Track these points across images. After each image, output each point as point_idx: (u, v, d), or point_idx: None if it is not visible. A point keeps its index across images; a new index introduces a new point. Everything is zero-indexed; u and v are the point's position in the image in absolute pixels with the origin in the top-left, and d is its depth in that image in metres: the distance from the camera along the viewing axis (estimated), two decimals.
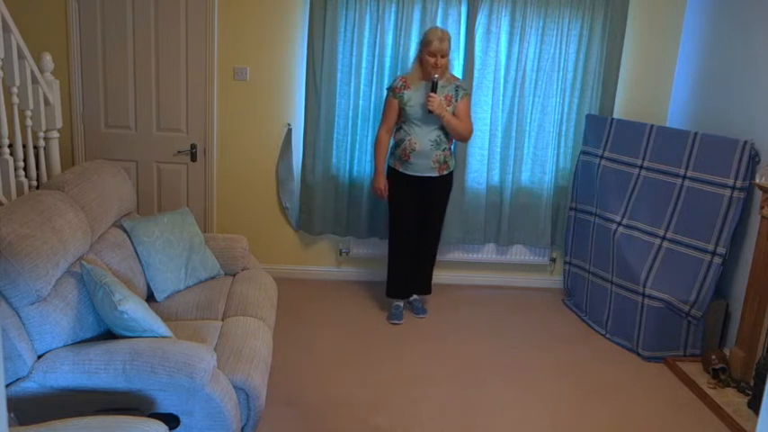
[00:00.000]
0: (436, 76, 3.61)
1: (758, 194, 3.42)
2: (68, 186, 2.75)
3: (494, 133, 4.28)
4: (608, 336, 3.93)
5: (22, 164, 3.09)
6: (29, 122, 3.15)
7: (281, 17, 4.16)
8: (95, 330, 2.48)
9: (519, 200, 4.41)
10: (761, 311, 3.28)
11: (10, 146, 3.01)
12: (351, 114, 4.20)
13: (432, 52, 3.60)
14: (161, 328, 2.44)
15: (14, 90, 3.02)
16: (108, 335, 2.49)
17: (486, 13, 4.12)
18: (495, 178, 4.37)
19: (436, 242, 4.04)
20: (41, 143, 3.28)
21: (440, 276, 4.48)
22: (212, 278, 3.29)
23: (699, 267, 3.59)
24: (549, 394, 3.25)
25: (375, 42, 4.10)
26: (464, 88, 3.81)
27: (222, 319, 2.92)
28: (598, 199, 4.09)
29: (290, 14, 4.17)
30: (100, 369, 2.22)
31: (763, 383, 2.98)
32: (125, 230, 3.05)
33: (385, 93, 3.88)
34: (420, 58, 3.70)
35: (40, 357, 2.28)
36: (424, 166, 3.75)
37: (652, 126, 3.88)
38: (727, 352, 3.53)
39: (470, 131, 3.85)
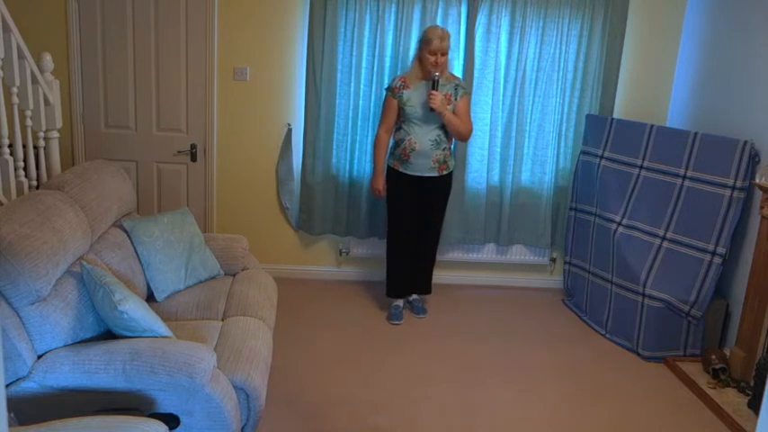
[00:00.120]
0: (437, 74, 3.61)
1: (758, 194, 3.42)
2: (68, 186, 2.75)
3: (494, 133, 4.28)
4: (608, 336, 3.93)
5: (22, 164, 3.09)
6: (29, 122, 3.16)
7: (281, 17, 4.16)
8: (95, 330, 2.48)
9: (519, 200, 4.41)
10: (761, 311, 3.28)
11: (10, 146, 3.01)
12: (351, 114, 4.20)
13: (432, 51, 3.59)
14: (161, 328, 2.44)
15: (14, 90, 3.02)
16: (108, 335, 2.49)
17: (486, 13, 4.12)
18: (495, 178, 4.37)
19: (436, 242, 4.04)
20: (41, 143, 3.28)
21: (440, 276, 4.48)
22: (212, 278, 3.29)
23: (699, 267, 3.59)
24: (549, 394, 3.25)
25: (375, 42, 4.10)
26: (463, 87, 3.81)
27: (222, 319, 2.92)
28: (598, 199, 4.09)
29: (290, 14, 4.17)
30: (100, 369, 2.22)
31: (763, 383, 2.98)
32: (125, 230, 3.05)
33: (384, 93, 3.88)
34: (419, 57, 3.70)
35: (40, 357, 2.28)
36: (423, 166, 3.75)
37: (652, 126, 3.88)
38: (727, 352, 3.53)
39: (470, 130, 3.85)
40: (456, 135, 3.82)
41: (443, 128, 3.73)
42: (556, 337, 3.91)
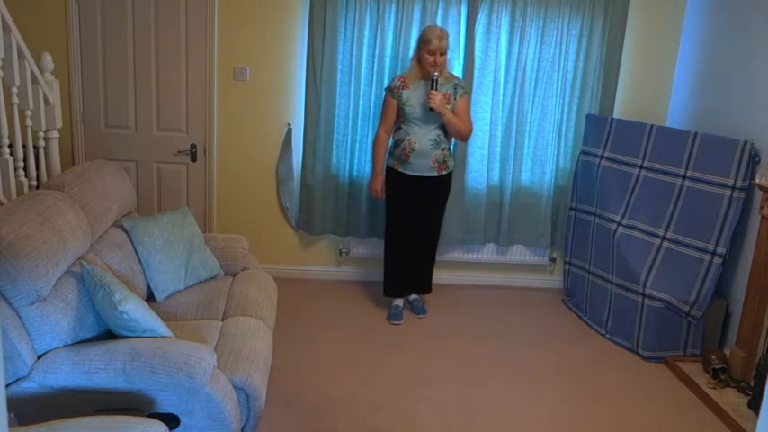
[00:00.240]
0: (436, 73, 3.61)
1: (758, 194, 3.42)
2: (68, 186, 2.75)
3: (494, 133, 4.28)
4: (608, 336, 3.93)
5: (22, 164, 3.09)
6: (29, 122, 3.16)
7: (281, 17, 4.16)
8: (95, 330, 2.48)
9: (519, 200, 4.41)
10: (761, 311, 3.28)
11: (10, 146, 3.01)
12: (351, 114, 4.20)
13: (431, 51, 3.59)
14: (161, 328, 2.44)
15: (14, 90, 3.02)
16: (108, 335, 2.49)
17: (486, 13, 4.12)
18: (495, 178, 4.37)
19: (435, 242, 4.04)
20: (41, 143, 3.28)
21: (440, 276, 4.48)
22: (212, 278, 3.29)
23: (699, 267, 3.59)
24: (549, 394, 3.25)
25: (375, 42, 4.10)
26: (463, 87, 3.81)
27: (222, 319, 2.92)
28: (598, 199, 4.09)
29: (290, 14, 4.17)
30: (100, 369, 2.22)
31: (763, 383, 2.98)
32: (125, 230, 3.05)
33: (383, 93, 3.87)
34: (418, 57, 3.70)
35: (40, 357, 2.28)
36: (423, 166, 3.75)
37: (652, 126, 3.88)
38: (727, 352, 3.53)
39: (470, 130, 3.85)
40: (456, 135, 3.82)
41: (443, 128, 3.73)
42: (556, 337, 3.91)
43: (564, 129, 4.32)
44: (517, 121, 4.27)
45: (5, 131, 2.97)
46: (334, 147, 4.24)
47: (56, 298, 2.36)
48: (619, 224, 3.92)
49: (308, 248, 4.54)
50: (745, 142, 3.45)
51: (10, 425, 1.92)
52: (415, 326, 3.94)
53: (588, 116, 4.23)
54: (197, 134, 4.27)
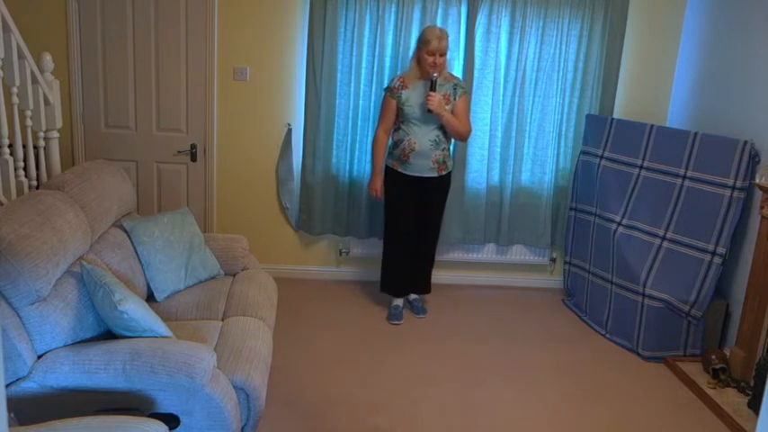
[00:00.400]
0: (435, 74, 3.61)
1: (758, 194, 3.42)
2: (68, 186, 2.75)
3: (494, 133, 4.28)
4: (608, 336, 3.93)
5: (22, 164, 3.09)
6: (29, 122, 3.16)
7: (281, 17, 4.16)
8: (95, 330, 2.48)
9: (519, 200, 4.41)
10: (761, 311, 3.28)
11: (10, 146, 3.01)
12: (351, 114, 4.20)
13: (430, 51, 3.59)
14: (161, 328, 2.44)
15: (14, 90, 3.02)
16: (108, 335, 2.49)
17: (486, 13, 4.12)
18: (495, 178, 4.37)
19: (435, 242, 4.04)
20: (41, 143, 3.28)
21: (440, 276, 4.48)
22: (212, 278, 3.29)
23: (699, 267, 3.59)
24: (549, 394, 3.26)
25: (375, 42, 4.10)
26: (462, 87, 3.81)
27: (222, 319, 2.92)
28: (598, 199, 4.09)
29: (290, 14, 4.17)
30: (100, 369, 2.22)
31: (763, 383, 2.98)
32: (125, 230, 3.05)
33: (382, 93, 3.87)
34: (418, 57, 3.69)
35: (40, 357, 2.28)
36: (423, 167, 3.74)
37: (652, 126, 3.88)
38: (727, 352, 3.53)
39: (469, 130, 3.85)
40: (455, 135, 3.81)
41: (442, 128, 3.73)
42: (556, 337, 3.91)
43: (564, 129, 4.32)
44: (517, 121, 4.27)
45: (5, 131, 2.97)
46: (334, 147, 4.24)
47: (56, 298, 2.36)
48: (619, 224, 3.92)
49: (308, 248, 4.54)
50: (745, 142, 3.45)
51: (10, 425, 1.92)
52: (415, 326, 3.94)
53: (588, 116, 4.23)
54: (197, 134, 4.27)
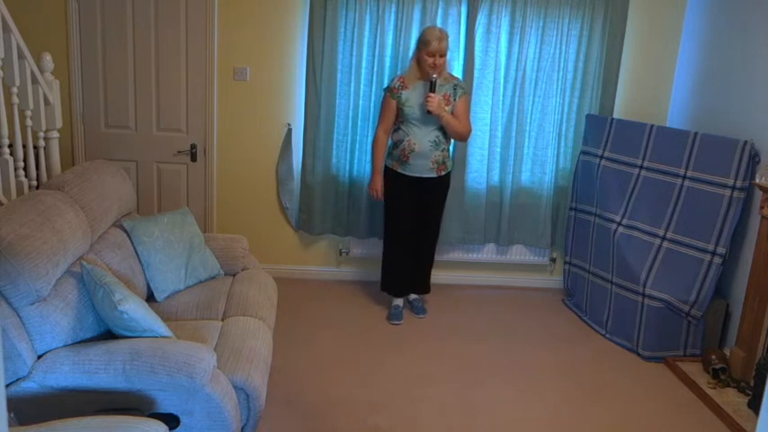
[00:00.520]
0: (435, 75, 3.60)
1: (758, 194, 3.42)
2: (68, 186, 2.75)
3: (494, 133, 4.28)
4: (608, 336, 3.93)
5: (22, 164, 3.09)
6: (29, 122, 3.15)
7: (281, 17, 4.16)
8: (95, 330, 2.48)
9: (519, 200, 4.41)
10: (761, 311, 3.28)
11: (10, 146, 3.01)
12: (351, 114, 4.20)
13: (430, 52, 3.58)
14: (161, 328, 2.44)
15: (14, 90, 3.02)
16: (108, 335, 2.49)
17: (486, 13, 4.12)
18: (495, 178, 4.37)
19: (434, 242, 4.04)
20: (41, 143, 3.28)
21: (440, 276, 4.48)
22: (212, 278, 3.29)
23: (699, 267, 3.59)
24: (549, 394, 3.25)
25: (375, 42, 4.10)
26: (462, 87, 3.81)
27: (222, 319, 2.92)
28: (598, 199, 4.09)
29: (290, 14, 4.17)
30: (100, 369, 2.22)
31: (763, 383, 2.98)
32: (125, 230, 3.05)
33: (382, 93, 3.87)
34: (418, 58, 3.69)
35: (40, 357, 2.28)
36: (422, 167, 3.74)
37: (652, 126, 3.88)
38: (727, 352, 3.53)
39: (469, 131, 3.85)
40: (455, 136, 3.81)
41: (442, 129, 3.73)
42: (556, 337, 3.91)
43: (564, 129, 4.32)
44: (517, 121, 4.27)
45: (5, 131, 2.97)
46: (334, 147, 4.24)
47: (56, 298, 2.36)
48: (619, 224, 3.92)
49: (308, 248, 4.54)
50: (745, 142, 3.45)
51: (10, 425, 1.92)
52: (415, 326, 3.94)
53: (588, 116, 4.23)
54: (197, 134, 4.27)
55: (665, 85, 4.40)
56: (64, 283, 2.44)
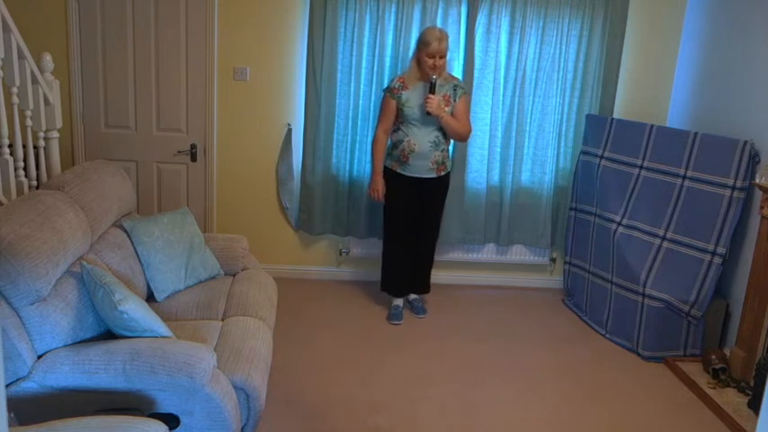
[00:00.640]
0: (434, 77, 3.60)
1: (758, 194, 3.42)
2: (68, 186, 2.75)
3: (494, 133, 4.28)
4: (608, 336, 3.93)
5: (22, 164, 3.09)
6: (29, 122, 3.16)
7: (281, 17, 4.16)
8: (95, 330, 2.48)
9: (519, 200, 4.41)
10: (761, 311, 3.28)
11: (10, 146, 3.01)
12: (351, 114, 4.20)
13: (430, 54, 3.58)
14: (161, 328, 2.44)
15: (14, 90, 3.02)
16: (108, 335, 2.49)
17: (486, 13, 4.12)
18: (495, 178, 4.37)
19: (434, 242, 4.04)
20: (41, 143, 3.28)
21: (440, 276, 4.48)
22: (212, 278, 3.29)
23: (699, 267, 3.59)
24: (549, 394, 3.25)
25: (375, 42, 4.10)
26: (462, 87, 3.81)
27: (222, 319, 2.92)
28: (598, 199, 4.09)
29: (290, 14, 4.17)
30: (100, 369, 2.22)
31: (763, 383, 2.98)
32: (125, 230, 3.05)
33: (382, 93, 3.86)
34: (418, 59, 3.69)
35: (40, 357, 2.28)
36: (422, 168, 3.74)
37: (652, 126, 3.88)
38: (727, 352, 3.53)
39: (469, 131, 3.85)
40: (454, 137, 3.81)
41: (442, 129, 3.72)
42: (556, 337, 3.91)
43: (564, 129, 4.32)
44: (517, 121, 4.27)
45: (5, 131, 2.97)
46: (334, 147, 4.24)
47: (56, 298, 2.36)
48: (619, 224, 3.92)
49: (308, 248, 4.54)
50: (745, 142, 3.45)
51: (10, 425, 1.92)
52: (415, 326, 3.94)
53: (588, 116, 4.23)
54: (197, 134, 4.27)
55: (665, 85, 4.40)
56: (64, 283, 2.44)
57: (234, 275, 3.40)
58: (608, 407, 3.18)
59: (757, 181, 3.31)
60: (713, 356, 3.44)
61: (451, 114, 3.71)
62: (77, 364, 2.23)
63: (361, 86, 4.17)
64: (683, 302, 3.62)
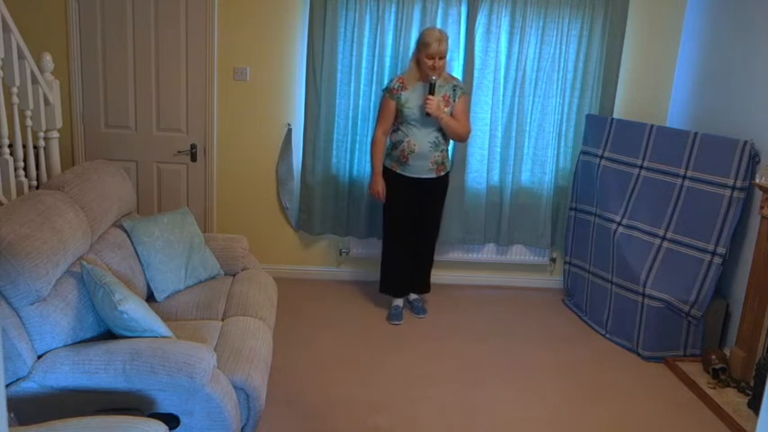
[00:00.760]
0: (434, 77, 3.60)
1: (758, 194, 3.42)
2: (68, 186, 2.75)
3: (494, 133, 4.28)
4: (608, 336, 3.93)
5: (22, 164, 3.09)
6: (29, 122, 3.16)
7: (281, 17, 4.16)
8: (95, 330, 2.48)
9: (519, 200, 4.41)
10: (761, 311, 3.28)
11: (10, 146, 3.01)
12: (351, 114, 4.20)
13: (430, 55, 3.57)
14: (161, 328, 2.44)
15: (14, 90, 3.02)
16: (108, 335, 2.49)
17: (486, 13, 4.12)
18: (495, 178, 4.37)
19: (434, 242, 4.04)
20: (41, 143, 3.28)
21: (440, 276, 4.48)
22: (212, 278, 3.29)
23: (699, 267, 3.59)
24: (549, 394, 3.25)
25: (375, 42, 4.10)
26: (462, 88, 3.80)
27: (222, 319, 2.92)
28: (598, 199, 4.09)
29: (290, 14, 4.17)
30: (100, 369, 2.22)
31: (763, 383, 2.98)
32: (125, 230, 3.05)
33: (381, 93, 3.86)
34: (417, 59, 3.68)
35: (40, 357, 2.28)
36: (422, 168, 3.74)
37: (652, 126, 3.88)
38: (727, 352, 3.53)
39: (468, 132, 3.85)
40: (454, 137, 3.80)
41: (441, 129, 3.72)
42: (556, 337, 3.91)
43: (564, 129, 4.32)
44: (517, 121, 4.27)
45: (5, 131, 2.97)
46: (334, 147, 4.24)
47: (56, 298, 2.36)
48: (619, 224, 3.92)
49: (308, 248, 4.54)
50: (745, 142, 3.45)
51: (10, 425, 1.92)
52: (415, 326, 3.94)
53: (588, 116, 4.23)
54: (197, 134, 4.27)
55: (665, 85, 4.40)
56: (64, 283, 2.44)
57: (234, 275, 3.40)
58: (608, 407, 3.18)
59: (757, 181, 3.31)
60: (713, 356, 3.44)
61: (451, 115, 3.71)
62: (77, 364, 2.23)
63: (361, 86, 4.17)
64: (683, 302, 3.62)
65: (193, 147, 4.28)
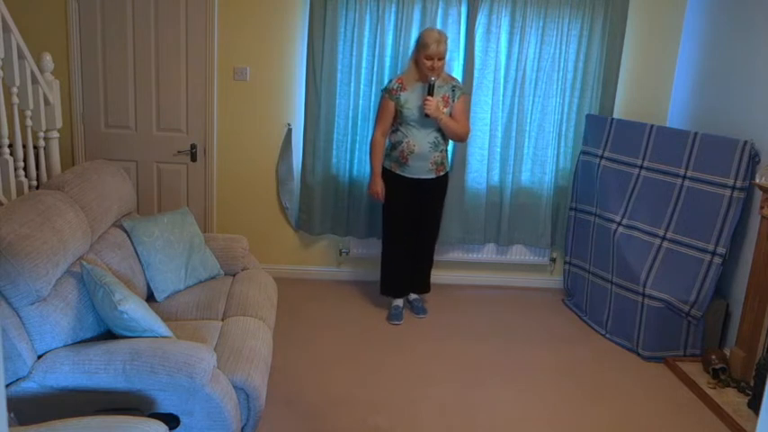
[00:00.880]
0: (433, 78, 3.59)
1: (758, 194, 3.42)
2: (68, 186, 2.75)
3: (494, 133, 4.28)
4: (608, 336, 3.93)
5: (22, 164, 3.09)
6: (29, 122, 3.16)
7: (281, 17, 4.16)
8: (95, 330, 2.48)
9: (519, 200, 4.41)
10: (761, 311, 3.28)
11: (10, 146, 3.01)
12: (351, 114, 4.20)
13: (429, 56, 3.57)
14: (161, 328, 2.44)
15: (14, 90, 3.02)
16: (108, 335, 2.49)
17: (486, 13, 4.12)
18: (495, 178, 4.37)
19: (434, 242, 4.04)
20: (41, 143, 3.28)
21: (440, 276, 4.48)
22: (212, 278, 3.29)
23: (699, 267, 3.59)
24: (549, 394, 3.25)
25: (375, 42, 4.10)
26: (461, 88, 3.80)
27: (222, 319, 2.92)
28: (598, 199, 4.09)
29: (290, 14, 4.17)
30: (100, 369, 2.22)
31: (763, 383, 2.98)
32: (125, 230, 3.05)
33: (380, 94, 3.86)
34: (416, 60, 3.68)
35: (40, 357, 2.28)
36: (421, 168, 3.74)
37: (652, 126, 3.88)
38: (727, 352, 3.53)
39: (467, 132, 3.85)
40: (453, 137, 3.80)
41: (441, 130, 3.72)
42: (556, 337, 3.91)
43: (564, 129, 4.32)
44: (517, 121, 4.27)
45: (5, 131, 2.97)
46: (335, 147, 4.24)
47: (56, 298, 2.36)
48: (619, 224, 3.92)
49: (308, 248, 4.54)
50: (745, 142, 3.45)
51: (10, 425, 1.92)
52: (415, 326, 3.94)
53: (588, 116, 4.23)
54: (197, 134, 4.27)
55: (665, 85, 4.40)
56: (64, 283, 2.44)
57: (234, 275, 3.40)
58: (608, 407, 3.18)
59: (757, 181, 3.31)
60: (713, 356, 3.44)
61: (450, 115, 3.71)
62: (77, 364, 2.23)
63: (361, 86, 4.17)
64: (683, 302, 3.62)
65: (193, 147, 4.28)
